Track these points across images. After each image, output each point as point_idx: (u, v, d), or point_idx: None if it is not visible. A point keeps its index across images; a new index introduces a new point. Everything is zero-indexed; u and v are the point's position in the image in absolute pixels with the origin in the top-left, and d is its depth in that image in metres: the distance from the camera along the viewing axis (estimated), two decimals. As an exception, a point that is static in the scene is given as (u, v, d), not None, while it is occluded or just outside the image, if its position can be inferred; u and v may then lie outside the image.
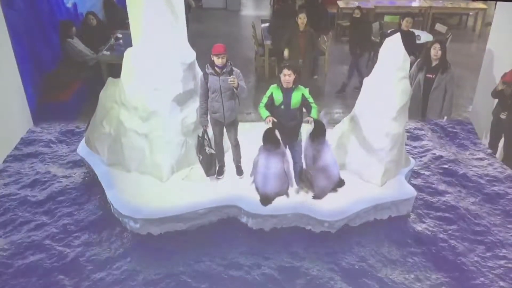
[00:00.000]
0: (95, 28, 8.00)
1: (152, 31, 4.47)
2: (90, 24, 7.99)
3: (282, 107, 4.23)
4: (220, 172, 4.72)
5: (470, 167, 5.28)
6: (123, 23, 7.92)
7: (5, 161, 5.24)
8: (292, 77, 4.15)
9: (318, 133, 4.20)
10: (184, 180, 4.67)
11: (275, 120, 4.13)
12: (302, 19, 6.95)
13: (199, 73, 4.84)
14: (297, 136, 4.31)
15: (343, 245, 4.20)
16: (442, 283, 3.89)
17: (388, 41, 4.46)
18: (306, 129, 4.31)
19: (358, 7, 7.91)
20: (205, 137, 4.60)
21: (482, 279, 3.92)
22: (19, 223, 4.40)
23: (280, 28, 7.73)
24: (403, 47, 4.38)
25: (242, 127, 4.67)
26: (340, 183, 4.51)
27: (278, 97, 4.23)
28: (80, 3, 8.46)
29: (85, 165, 5.10)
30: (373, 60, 8.52)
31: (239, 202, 4.36)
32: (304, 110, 4.32)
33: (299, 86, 4.25)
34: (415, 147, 5.68)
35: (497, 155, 5.76)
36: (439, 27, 9.41)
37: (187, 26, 5.03)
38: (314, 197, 4.43)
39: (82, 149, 5.14)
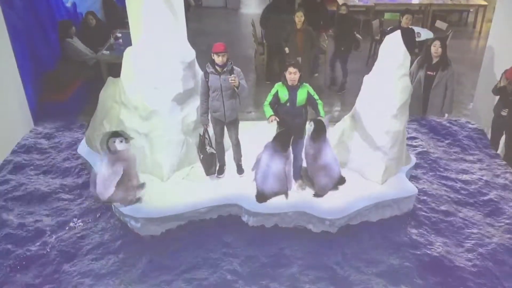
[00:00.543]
0: (94, 28, 8.00)
1: (152, 30, 4.46)
2: (90, 24, 7.98)
3: (288, 104, 4.24)
4: (221, 171, 4.72)
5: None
6: (122, 22, 7.93)
7: (5, 161, 5.24)
8: (298, 75, 4.16)
9: (319, 132, 4.20)
10: (185, 179, 4.67)
11: (277, 119, 4.13)
12: (299, 17, 6.95)
13: (199, 72, 4.84)
14: (302, 133, 4.31)
15: (344, 245, 4.19)
16: (441, 283, 3.89)
17: (388, 39, 4.45)
18: (306, 127, 4.31)
19: (344, 4, 7.92)
20: (206, 136, 4.60)
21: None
22: (17, 224, 4.40)
23: (270, 20, 7.78)
24: (403, 44, 4.37)
25: (242, 126, 4.67)
26: (341, 180, 4.51)
27: (284, 95, 4.23)
28: (80, 3, 8.46)
29: (85, 164, 5.09)
30: (373, 57, 8.52)
31: (239, 201, 4.36)
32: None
33: (304, 83, 4.26)
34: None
35: (498, 152, 5.76)
36: (439, 24, 9.38)
37: (187, 24, 5.02)
38: (315, 195, 4.43)
39: (82, 148, 5.14)
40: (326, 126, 4.25)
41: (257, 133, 5.01)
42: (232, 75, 4.20)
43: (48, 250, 4.09)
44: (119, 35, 7.94)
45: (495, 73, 6.11)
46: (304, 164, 4.54)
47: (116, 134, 4.00)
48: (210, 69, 4.28)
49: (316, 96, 4.28)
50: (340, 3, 9.32)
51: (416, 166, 5.00)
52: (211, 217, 4.39)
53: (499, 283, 3.87)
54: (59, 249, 4.11)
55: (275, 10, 7.85)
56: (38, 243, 4.17)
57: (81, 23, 8.11)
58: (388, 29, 7.11)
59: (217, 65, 4.24)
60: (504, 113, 5.54)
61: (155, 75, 4.51)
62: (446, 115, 6.12)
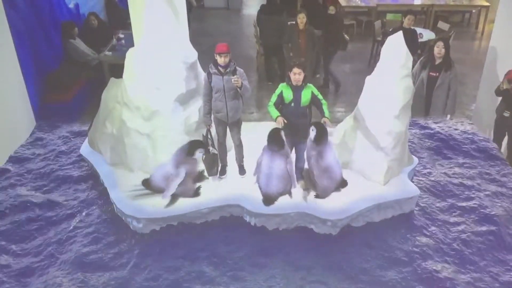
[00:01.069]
0: (97, 29, 8.03)
1: (154, 31, 4.47)
2: (92, 25, 8.01)
3: (292, 104, 4.24)
4: (223, 172, 4.72)
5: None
6: (124, 23, 7.96)
7: (8, 161, 5.25)
8: (302, 75, 4.17)
9: (321, 136, 4.23)
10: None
11: (285, 121, 4.14)
12: (301, 18, 6.98)
13: (201, 72, 4.84)
14: (306, 134, 4.31)
15: (345, 245, 4.19)
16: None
17: (390, 39, 4.45)
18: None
19: (333, 4, 7.96)
20: (209, 136, 4.61)
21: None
22: (20, 222, 4.41)
23: (263, 21, 7.85)
24: (405, 45, 4.37)
25: (244, 127, 4.67)
26: (343, 183, 4.50)
27: (288, 95, 4.23)
28: (82, 4, 8.49)
29: (88, 165, 5.10)
30: (375, 58, 8.52)
31: (241, 201, 4.35)
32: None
33: (308, 84, 4.26)
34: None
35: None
36: (442, 25, 9.38)
37: (189, 25, 5.03)
38: (317, 196, 4.43)
39: (84, 149, 5.15)
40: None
41: (259, 134, 5.00)
42: (235, 76, 4.20)
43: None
44: (122, 36, 7.97)
45: (498, 74, 6.10)
46: (306, 166, 4.54)
47: (202, 146, 4.29)
48: (213, 69, 4.28)
49: (320, 96, 4.29)
50: (343, 4, 9.36)
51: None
52: (212, 217, 4.39)
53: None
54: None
55: (267, 10, 7.92)
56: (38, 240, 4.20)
57: (83, 24, 8.14)
58: (390, 29, 7.12)
59: (220, 65, 4.24)
60: (506, 114, 5.53)
61: (157, 76, 4.52)
62: (449, 116, 6.12)
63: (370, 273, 3.93)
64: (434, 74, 5.89)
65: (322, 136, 4.23)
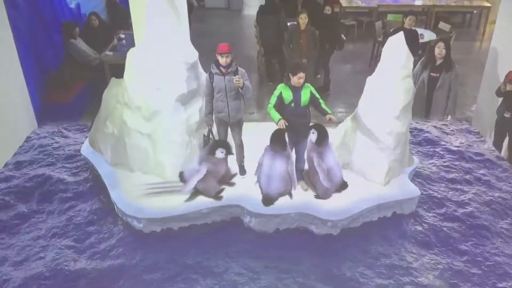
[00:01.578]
0: (98, 29, 8.03)
1: (155, 31, 4.47)
2: (93, 25, 8.02)
3: (292, 105, 4.25)
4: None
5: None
6: (126, 23, 7.96)
7: (9, 162, 5.26)
8: (304, 78, 4.20)
9: (322, 137, 4.23)
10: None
11: (286, 123, 4.14)
12: (303, 19, 6.99)
13: (202, 72, 4.85)
14: (307, 134, 4.32)
15: (346, 245, 4.19)
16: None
17: (391, 40, 4.45)
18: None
19: (332, 4, 7.98)
20: (210, 136, 4.60)
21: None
22: (19, 224, 4.42)
23: (261, 21, 7.87)
24: (406, 45, 4.37)
25: (245, 127, 4.67)
26: (343, 185, 4.50)
27: (288, 95, 4.24)
28: (83, 4, 8.49)
29: (88, 165, 5.11)
30: (376, 58, 8.52)
31: (242, 202, 4.36)
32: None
33: (306, 83, 4.28)
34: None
35: (502, 154, 5.74)
36: (443, 25, 9.38)
37: (190, 25, 5.03)
38: (317, 196, 4.43)
39: (85, 149, 5.16)
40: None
41: (259, 134, 5.01)
42: (236, 76, 4.20)
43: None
44: (123, 36, 7.97)
45: (499, 75, 6.09)
46: (306, 167, 4.54)
47: (224, 146, 4.28)
48: (214, 69, 4.29)
49: (318, 95, 4.32)
50: (344, 5, 9.35)
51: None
52: (213, 217, 4.39)
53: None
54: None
55: (266, 10, 7.94)
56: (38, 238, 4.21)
57: (84, 24, 8.14)
58: (391, 30, 7.11)
59: (222, 66, 4.25)
60: (507, 115, 5.52)
61: (158, 76, 4.52)
62: (449, 116, 6.11)
63: (371, 275, 3.93)
64: (435, 75, 5.89)
65: (323, 138, 4.23)
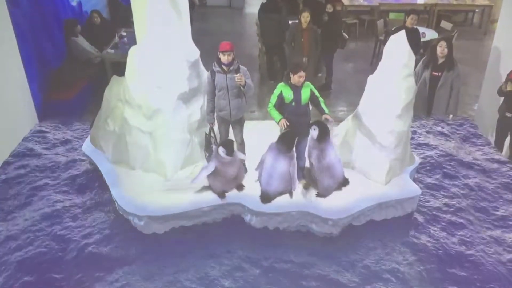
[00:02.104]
0: (99, 26, 8.04)
1: (156, 29, 4.47)
2: (95, 22, 8.02)
3: (293, 104, 4.26)
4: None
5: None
6: (127, 21, 7.96)
7: (9, 158, 5.26)
8: (304, 76, 4.21)
9: (323, 134, 4.23)
10: (189, 177, 4.67)
11: (288, 123, 4.14)
12: (305, 17, 6.99)
13: (203, 71, 4.84)
14: (307, 132, 4.32)
15: (347, 245, 4.18)
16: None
17: (393, 39, 4.44)
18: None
19: (333, 3, 7.98)
20: (212, 134, 4.60)
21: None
22: (20, 223, 4.42)
23: (262, 19, 7.88)
24: (407, 44, 4.36)
25: (246, 125, 4.67)
26: (345, 182, 4.50)
27: (288, 94, 4.24)
28: (85, 1, 8.50)
29: (89, 162, 5.11)
30: (377, 57, 8.51)
31: (243, 200, 4.36)
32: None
33: (306, 82, 4.29)
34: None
35: (503, 153, 5.73)
36: (444, 24, 9.36)
37: (191, 24, 5.03)
38: (318, 195, 4.43)
39: (86, 146, 5.16)
40: (330, 129, 4.28)
41: (260, 133, 5.01)
42: (238, 74, 4.20)
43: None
44: (124, 34, 7.98)
45: (501, 74, 6.08)
46: (307, 165, 4.54)
47: (224, 145, 4.22)
48: (216, 68, 4.29)
49: (318, 94, 4.33)
50: (346, 3, 9.32)
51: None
52: (214, 215, 4.39)
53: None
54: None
55: (267, 8, 7.95)
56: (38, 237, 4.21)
57: (86, 21, 8.14)
58: (393, 29, 7.10)
59: (223, 64, 4.24)
60: (509, 114, 5.51)
61: (159, 74, 4.52)
62: (451, 115, 6.10)
63: (369, 272, 3.93)
64: (437, 74, 5.88)
65: (324, 134, 4.23)
